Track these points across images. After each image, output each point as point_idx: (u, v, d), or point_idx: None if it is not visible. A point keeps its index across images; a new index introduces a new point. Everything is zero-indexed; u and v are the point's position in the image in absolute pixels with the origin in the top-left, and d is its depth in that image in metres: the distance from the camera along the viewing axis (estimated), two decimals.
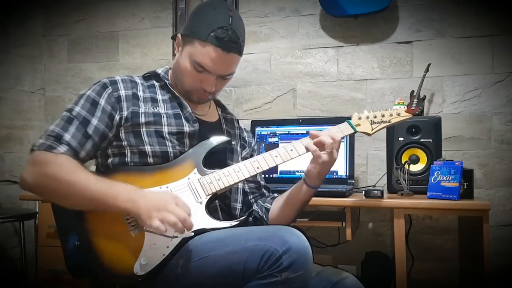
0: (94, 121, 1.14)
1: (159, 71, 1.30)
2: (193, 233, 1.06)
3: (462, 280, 2.07)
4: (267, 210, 1.34)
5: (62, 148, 1.09)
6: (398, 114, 1.30)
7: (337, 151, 1.21)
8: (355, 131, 1.28)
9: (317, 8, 2.33)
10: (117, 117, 1.17)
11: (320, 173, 1.23)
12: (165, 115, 1.21)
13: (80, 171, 1.07)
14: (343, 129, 1.27)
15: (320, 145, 1.20)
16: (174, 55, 2.54)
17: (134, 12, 2.63)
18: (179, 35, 1.25)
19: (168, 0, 2.56)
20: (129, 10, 2.64)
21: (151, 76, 1.30)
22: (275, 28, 2.42)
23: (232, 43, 1.17)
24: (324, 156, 1.19)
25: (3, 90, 2.53)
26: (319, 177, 1.24)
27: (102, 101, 1.16)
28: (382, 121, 1.30)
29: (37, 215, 2.09)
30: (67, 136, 1.10)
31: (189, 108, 1.25)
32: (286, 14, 2.40)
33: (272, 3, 2.42)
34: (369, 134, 1.30)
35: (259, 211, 1.35)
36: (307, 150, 1.21)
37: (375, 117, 1.30)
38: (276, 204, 1.33)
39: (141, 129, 1.17)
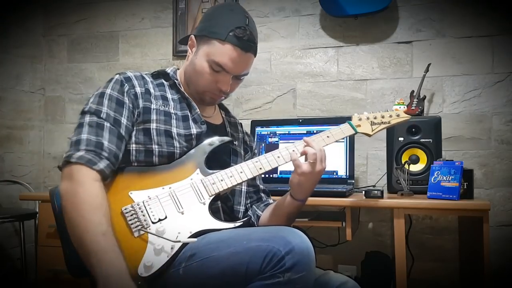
0: (124, 121, 1.14)
1: (168, 70, 1.30)
2: (195, 239, 1.06)
3: (462, 280, 2.07)
4: (258, 217, 1.34)
5: (102, 164, 1.06)
6: (398, 115, 1.31)
7: (322, 162, 1.17)
8: (356, 132, 1.29)
9: (317, 8, 2.33)
10: (136, 113, 1.17)
11: (301, 185, 1.19)
12: (174, 116, 1.21)
13: (97, 212, 1.02)
14: (344, 130, 1.28)
15: (305, 154, 1.18)
16: (174, 55, 2.54)
17: (134, 12, 2.63)
18: (192, 36, 1.26)
19: (168, 0, 2.56)
20: (129, 10, 2.64)
21: (159, 74, 1.29)
22: (275, 28, 2.42)
23: (250, 43, 1.20)
24: (304, 166, 1.16)
25: (3, 90, 2.53)
26: (300, 189, 1.21)
27: (126, 99, 1.16)
28: (382, 122, 1.31)
29: (37, 215, 2.08)
30: (105, 143, 1.08)
31: (198, 110, 1.25)
32: (286, 14, 2.40)
33: (272, 3, 2.42)
34: (369, 135, 1.32)
35: (252, 216, 1.35)
36: (290, 158, 1.19)
37: (375, 118, 1.31)
38: (266, 213, 1.33)
39: (151, 126, 1.17)
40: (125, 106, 1.15)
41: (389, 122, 1.32)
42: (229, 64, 1.19)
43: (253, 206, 1.38)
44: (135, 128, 1.17)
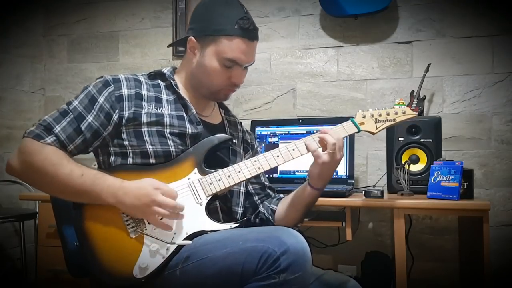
0: (89, 118, 1.13)
1: (165, 70, 1.28)
2: (190, 242, 1.06)
3: (462, 280, 2.07)
4: (273, 211, 1.32)
5: (50, 139, 1.10)
6: (404, 112, 1.27)
7: (341, 151, 1.17)
8: (359, 130, 1.25)
9: (317, 8, 2.33)
10: (115, 117, 1.15)
11: (321, 174, 1.19)
12: (168, 116, 1.19)
13: (64, 164, 1.09)
14: (346, 128, 1.24)
15: (323, 144, 1.17)
16: (174, 55, 2.55)
17: (134, 12, 2.63)
18: (192, 38, 1.22)
19: (168, 0, 2.56)
20: (129, 10, 2.64)
21: (156, 75, 1.28)
22: (275, 28, 2.42)
23: (254, 31, 1.21)
24: (324, 156, 1.16)
25: (3, 90, 2.53)
26: (320, 179, 1.21)
27: (101, 99, 1.15)
28: (387, 120, 1.27)
29: (37, 215, 2.09)
30: (57, 128, 1.11)
31: (194, 110, 1.23)
32: (286, 14, 2.40)
33: (272, 3, 2.42)
34: (373, 133, 1.27)
35: (265, 212, 1.33)
36: (308, 149, 1.19)
37: (379, 115, 1.27)
38: (282, 206, 1.31)
39: (143, 129, 1.16)
40: (96, 105, 1.14)
41: (394, 120, 1.27)
42: (242, 57, 1.19)
43: (265, 202, 1.36)
44: (126, 130, 1.16)
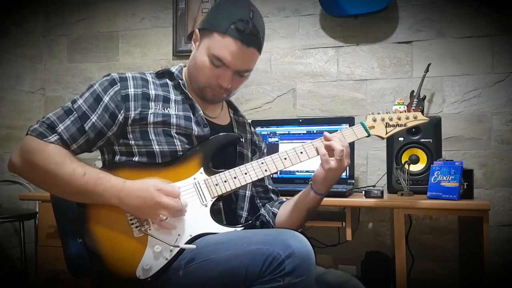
0: (94, 118, 1.12)
1: (173, 69, 1.26)
2: (195, 246, 1.05)
3: (462, 280, 2.07)
4: (274, 214, 1.31)
5: (53, 138, 1.09)
6: (415, 117, 1.24)
7: (348, 158, 1.16)
8: (369, 135, 1.23)
9: (317, 8, 2.33)
10: (120, 117, 1.13)
11: (327, 179, 1.18)
12: (174, 116, 1.17)
13: (67, 163, 1.07)
14: (356, 132, 1.22)
15: (330, 150, 1.15)
16: (174, 55, 2.55)
17: (134, 12, 2.63)
18: (196, 30, 1.21)
19: (168, 0, 2.56)
20: (129, 10, 2.64)
21: (164, 73, 1.26)
22: (275, 28, 2.42)
23: (252, 36, 1.14)
24: (332, 162, 1.14)
25: (3, 90, 2.53)
26: (325, 184, 1.19)
27: (106, 98, 1.13)
28: (398, 125, 1.23)
29: (37, 215, 2.08)
30: (60, 127, 1.10)
31: (201, 112, 1.21)
32: (286, 14, 2.40)
33: (272, 3, 2.42)
34: (382, 138, 1.25)
35: (266, 215, 1.32)
36: (317, 152, 1.17)
37: (390, 119, 1.23)
38: (283, 209, 1.30)
39: (149, 128, 1.14)
40: (101, 104, 1.13)
41: (405, 125, 1.23)
42: (229, 58, 1.14)
43: (266, 205, 1.35)
44: (132, 130, 1.14)
